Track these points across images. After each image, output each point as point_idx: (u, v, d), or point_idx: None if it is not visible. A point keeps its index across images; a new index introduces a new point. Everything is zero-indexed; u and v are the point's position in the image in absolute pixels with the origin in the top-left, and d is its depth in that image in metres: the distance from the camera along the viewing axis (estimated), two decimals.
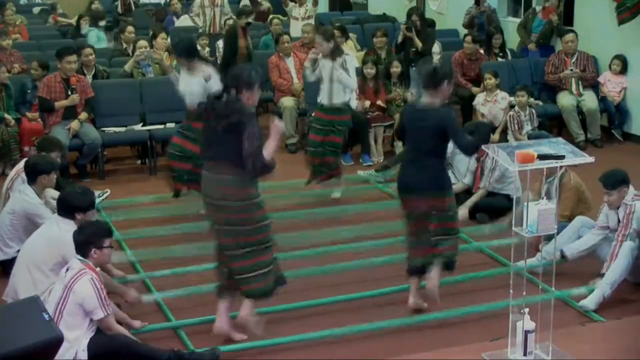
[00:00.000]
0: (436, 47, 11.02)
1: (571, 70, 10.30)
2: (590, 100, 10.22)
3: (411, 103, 5.66)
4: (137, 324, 5.41)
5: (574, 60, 10.34)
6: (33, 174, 6.28)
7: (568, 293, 5.97)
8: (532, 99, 9.90)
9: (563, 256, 6.28)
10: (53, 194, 6.27)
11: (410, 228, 5.76)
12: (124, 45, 11.10)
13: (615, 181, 6.13)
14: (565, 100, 10.25)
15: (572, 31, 10.49)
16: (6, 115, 8.90)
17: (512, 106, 9.85)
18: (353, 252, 6.83)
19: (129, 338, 4.98)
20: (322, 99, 8.02)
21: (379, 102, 9.72)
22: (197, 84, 7.25)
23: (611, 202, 6.16)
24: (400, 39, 10.13)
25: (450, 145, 8.06)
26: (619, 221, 6.15)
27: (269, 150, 5.10)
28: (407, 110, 5.86)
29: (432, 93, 5.56)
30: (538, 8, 11.75)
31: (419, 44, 9.90)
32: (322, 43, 7.85)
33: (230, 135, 5.04)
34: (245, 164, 5.01)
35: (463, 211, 7.42)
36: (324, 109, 8.05)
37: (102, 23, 12.55)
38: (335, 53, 7.85)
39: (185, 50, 7.36)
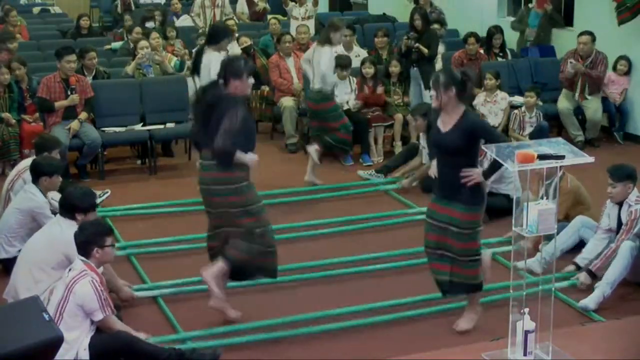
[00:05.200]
0: (441, 47, 11.05)
1: (571, 62, 9.92)
2: (593, 108, 10.02)
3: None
4: (141, 336, 5.36)
5: (587, 63, 9.96)
6: (35, 175, 6.29)
7: (568, 277, 6.01)
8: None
9: (578, 268, 6.22)
10: (55, 195, 6.27)
11: None
12: (131, 45, 11.07)
13: (622, 174, 6.14)
14: (562, 104, 10.14)
15: (590, 33, 9.97)
16: (5, 114, 8.89)
17: (512, 106, 9.85)
18: (352, 251, 6.85)
19: (130, 336, 4.97)
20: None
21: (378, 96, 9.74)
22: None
23: (614, 195, 6.16)
24: (403, 48, 10.09)
25: None
26: (618, 219, 6.15)
27: (241, 154, 5.16)
28: None
29: None
30: (532, 4, 11.81)
31: (425, 51, 9.88)
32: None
33: (213, 122, 5.12)
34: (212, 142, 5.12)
35: None
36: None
37: (150, 24, 12.47)
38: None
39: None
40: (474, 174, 5.17)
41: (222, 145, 5.10)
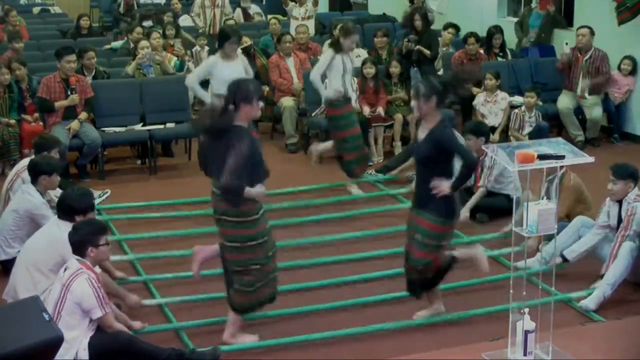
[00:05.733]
0: (451, 50, 11.10)
1: (566, 44, 9.82)
2: (594, 108, 10.03)
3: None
4: (137, 324, 5.40)
5: (586, 57, 10.01)
6: (34, 174, 6.28)
7: (568, 296, 5.96)
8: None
9: (565, 260, 6.27)
10: (56, 193, 6.27)
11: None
12: (132, 45, 11.08)
13: (625, 172, 6.17)
14: (562, 104, 10.13)
15: (589, 27, 10.03)
16: (4, 119, 8.89)
17: (512, 106, 9.84)
18: (352, 252, 6.84)
19: (130, 335, 4.99)
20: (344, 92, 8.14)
21: (379, 108, 9.62)
22: (237, 71, 7.52)
23: (614, 192, 6.17)
24: (404, 51, 10.06)
25: None
26: (619, 218, 6.15)
27: (249, 190, 5.06)
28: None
29: None
30: (535, 5, 11.81)
31: (427, 52, 9.87)
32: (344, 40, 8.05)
33: (221, 151, 5.05)
34: (220, 177, 5.02)
35: (464, 213, 7.45)
36: (344, 102, 8.16)
37: (147, 23, 12.46)
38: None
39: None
40: (442, 187, 5.23)
41: (228, 184, 4.99)
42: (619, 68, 10.25)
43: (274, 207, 7.52)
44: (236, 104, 5.11)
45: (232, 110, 5.11)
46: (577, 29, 10.19)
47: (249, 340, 5.43)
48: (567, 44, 9.99)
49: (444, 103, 5.34)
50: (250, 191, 5.08)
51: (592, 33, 9.99)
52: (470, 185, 7.76)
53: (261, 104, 5.27)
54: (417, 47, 9.85)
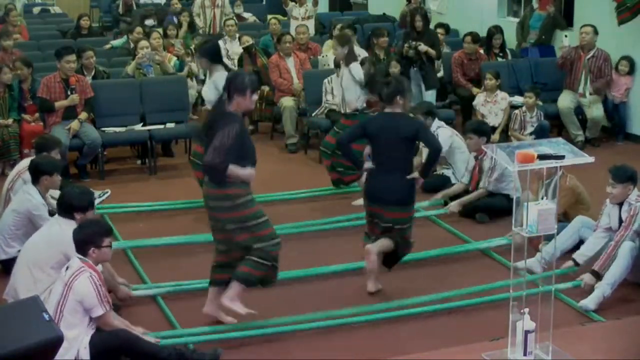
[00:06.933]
0: (446, 49, 11.07)
1: (565, 36, 9.84)
2: (594, 108, 10.06)
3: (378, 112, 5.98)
4: (138, 331, 5.37)
5: (589, 56, 10.03)
6: (36, 175, 6.28)
7: (567, 274, 6.05)
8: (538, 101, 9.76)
9: (576, 264, 6.26)
10: (54, 194, 6.27)
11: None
12: (132, 45, 11.08)
13: (624, 175, 6.14)
14: (562, 103, 10.15)
15: (592, 26, 10.07)
16: (2, 121, 8.89)
17: (512, 106, 9.85)
18: (352, 252, 6.85)
19: (131, 334, 4.98)
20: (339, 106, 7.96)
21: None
22: (211, 88, 7.25)
23: (614, 195, 6.16)
24: (404, 53, 10.04)
25: (448, 142, 8.09)
26: (619, 219, 6.15)
27: (235, 168, 5.11)
28: (375, 118, 5.98)
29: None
30: (535, 5, 11.83)
31: (433, 52, 9.89)
32: (337, 48, 7.83)
33: (210, 138, 5.12)
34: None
35: (454, 206, 7.59)
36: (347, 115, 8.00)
37: (149, 22, 12.47)
38: (349, 59, 7.81)
39: (208, 52, 7.34)
40: None
41: (210, 161, 5.07)
42: (616, 69, 10.25)
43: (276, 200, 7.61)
44: (230, 95, 5.22)
45: (224, 101, 5.23)
46: (581, 27, 10.18)
47: (240, 309, 5.41)
48: (566, 36, 9.98)
49: (383, 100, 5.98)
50: (237, 170, 5.12)
51: (596, 32, 9.98)
52: (469, 185, 7.78)
53: (255, 97, 5.33)
54: (426, 48, 9.82)
